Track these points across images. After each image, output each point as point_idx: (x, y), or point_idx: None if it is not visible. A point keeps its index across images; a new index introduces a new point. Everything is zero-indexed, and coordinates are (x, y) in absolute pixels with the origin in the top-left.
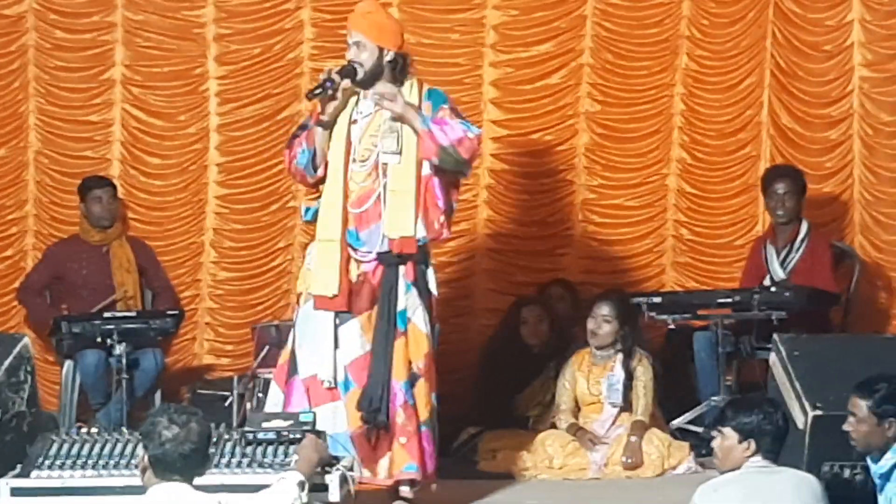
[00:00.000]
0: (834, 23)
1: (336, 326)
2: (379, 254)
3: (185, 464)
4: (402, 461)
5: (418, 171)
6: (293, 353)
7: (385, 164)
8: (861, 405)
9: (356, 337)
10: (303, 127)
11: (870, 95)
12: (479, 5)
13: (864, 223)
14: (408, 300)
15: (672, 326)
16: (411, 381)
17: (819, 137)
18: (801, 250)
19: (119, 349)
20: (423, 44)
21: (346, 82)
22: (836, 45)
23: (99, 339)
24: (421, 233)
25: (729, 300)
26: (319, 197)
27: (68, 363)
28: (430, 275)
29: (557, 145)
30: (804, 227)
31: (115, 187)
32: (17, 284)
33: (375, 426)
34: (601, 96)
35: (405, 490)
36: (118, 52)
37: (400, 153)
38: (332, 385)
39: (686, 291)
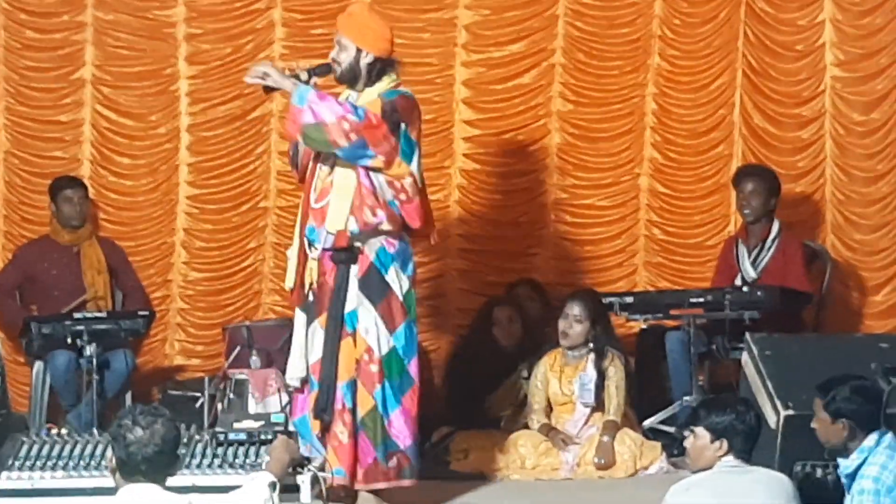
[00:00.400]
0: (805, 22)
1: (306, 326)
2: (332, 251)
3: (150, 466)
4: (332, 464)
5: (358, 172)
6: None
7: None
8: (819, 405)
9: (319, 337)
10: None
11: (841, 95)
12: (451, 5)
13: (836, 223)
14: (358, 300)
15: (644, 326)
16: (353, 382)
17: (791, 137)
18: (772, 249)
19: (89, 350)
20: (394, 43)
21: (316, 80)
22: (808, 44)
23: (69, 340)
24: (352, 226)
25: (701, 300)
26: None
27: (38, 364)
28: (394, 273)
29: (529, 145)
30: (776, 226)
31: (85, 188)
32: None
33: (326, 425)
34: (573, 96)
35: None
36: (88, 52)
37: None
38: (298, 387)
39: (658, 291)
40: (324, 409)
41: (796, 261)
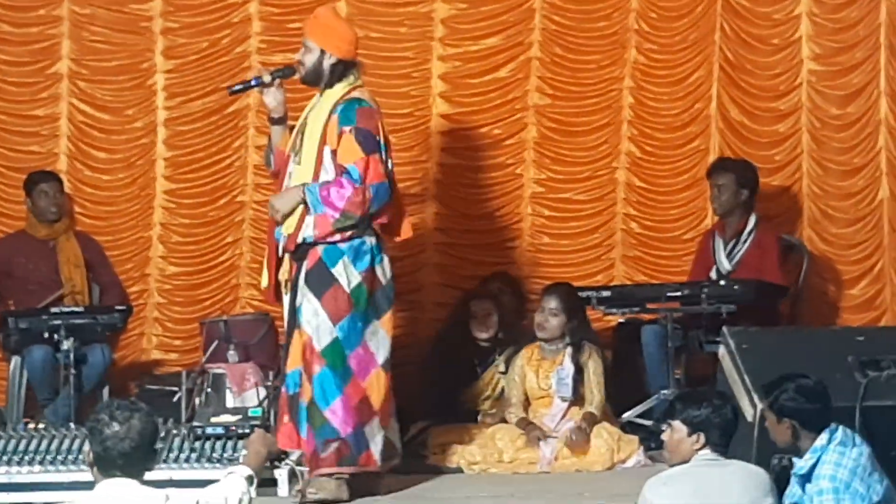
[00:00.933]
0: (782, 16)
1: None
2: (291, 251)
3: (126, 461)
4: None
5: (315, 175)
6: None
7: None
8: (764, 404)
9: None
10: None
11: (818, 89)
12: None
13: (813, 216)
14: (303, 294)
15: (621, 320)
16: (299, 371)
17: (767, 131)
18: (747, 243)
19: (66, 344)
20: (370, 38)
21: (279, 81)
22: (785, 38)
23: (46, 335)
24: (307, 231)
25: (678, 294)
26: None
27: (15, 359)
28: (342, 266)
29: (506, 139)
30: (752, 220)
31: (61, 181)
32: None
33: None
34: (550, 90)
35: None
36: (65, 46)
37: (296, 154)
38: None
39: (635, 285)
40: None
41: (771, 254)
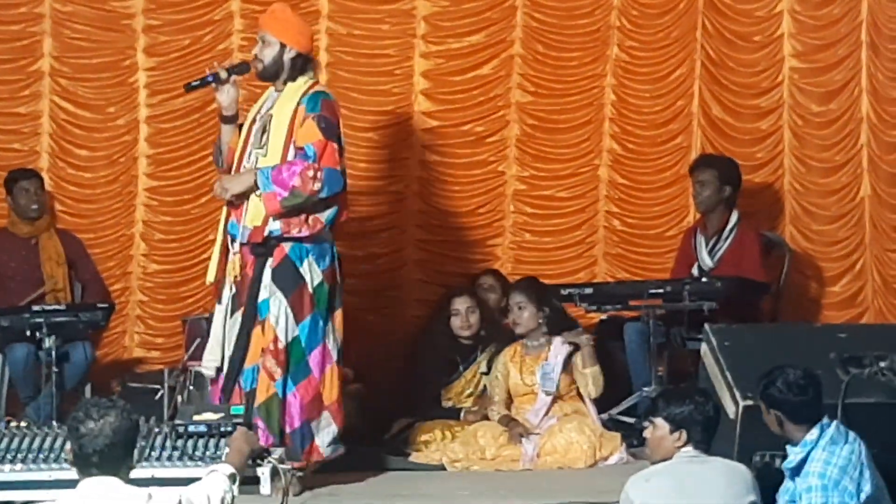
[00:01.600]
0: (764, 13)
1: (226, 316)
2: (251, 244)
3: (102, 459)
4: None
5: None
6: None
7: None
8: (756, 395)
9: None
10: None
11: (799, 86)
12: None
13: (795, 213)
14: (270, 290)
15: (603, 317)
16: (255, 368)
17: (749, 128)
18: (729, 240)
19: (48, 342)
20: (353, 35)
21: (235, 77)
22: (766, 35)
23: (28, 333)
24: (274, 226)
25: (660, 291)
26: None
27: None
28: (308, 266)
29: (488, 136)
30: (734, 216)
31: (41, 179)
32: None
33: None
34: (532, 87)
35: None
36: (46, 44)
37: (262, 146)
38: (213, 375)
39: (617, 282)
40: (229, 394)
41: (752, 251)
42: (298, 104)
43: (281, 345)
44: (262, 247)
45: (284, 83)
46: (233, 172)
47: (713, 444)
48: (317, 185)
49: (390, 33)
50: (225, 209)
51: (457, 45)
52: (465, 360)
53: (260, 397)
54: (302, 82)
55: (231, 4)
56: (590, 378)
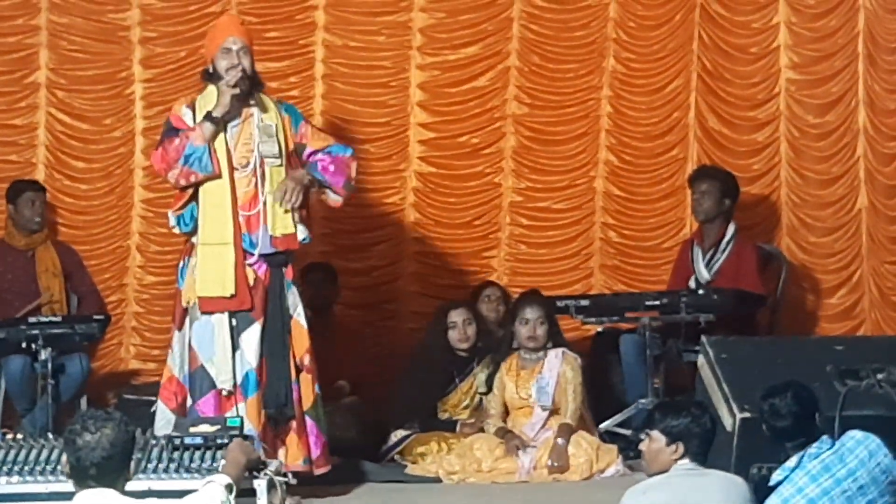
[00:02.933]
0: (760, 25)
1: (233, 329)
2: (266, 255)
3: (99, 471)
4: (294, 455)
5: (287, 172)
6: (202, 368)
7: (262, 167)
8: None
9: (257, 341)
10: (170, 131)
11: (796, 98)
12: (406, 8)
13: (791, 225)
14: (290, 298)
15: (600, 329)
16: (297, 375)
17: (746, 140)
18: (726, 252)
19: (44, 354)
20: (349, 46)
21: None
22: (763, 47)
23: (24, 345)
24: (303, 233)
25: (657, 303)
26: (186, 204)
27: None
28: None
29: (485, 148)
30: (731, 228)
31: (45, 191)
32: None
33: (285, 421)
34: (528, 99)
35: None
36: (42, 56)
37: (280, 156)
38: (231, 391)
39: (614, 294)
40: (284, 405)
41: (749, 263)
42: (279, 111)
43: (312, 347)
44: (280, 256)
45: (258, 93)
46: (223, 177)
47: (710, 456)
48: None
49: (386, 45)
50: (230, 222)
51: (453, 56)
52: (462, 373)
53: (307, 401)
54: (264, 92)
55: (225, 17)
56: (569, 411)
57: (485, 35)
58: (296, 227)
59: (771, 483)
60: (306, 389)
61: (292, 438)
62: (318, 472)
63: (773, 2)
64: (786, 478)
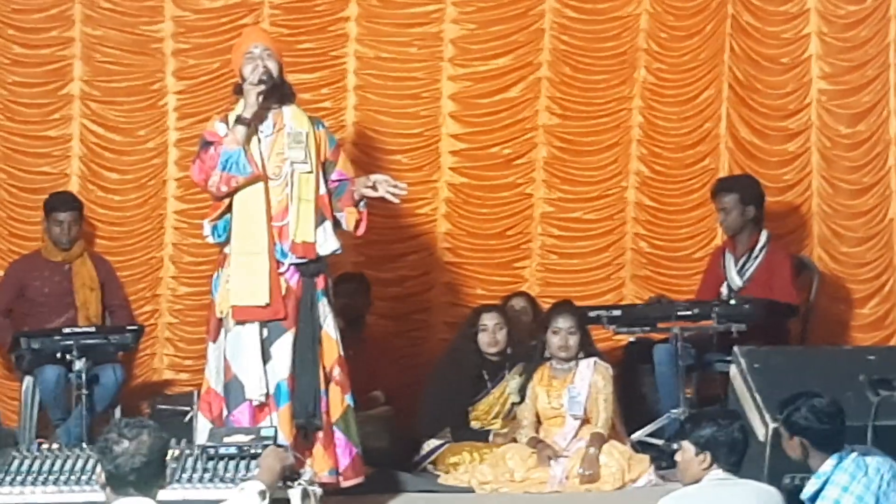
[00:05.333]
0: (791, 35)
1: (263, 341)
2: (298, 265)
3: (139, 477)
4: (320, 466)
5: (317, 182)
6: (235, 378)
7: (292, 174)
8: (779, 420)
9: (289, 351)
10: (205, 144)
11: (827, 108)
12: (437, 19)
13: (823, 235)
14: (321, 309)
15: (632, 339)
16: (326, 386)
17: (777, 150)
18: (759, 259)
19: (79, 365)
20: (381, 58)
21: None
22: (794, 57)
23: (58, 355)
24: (336, 244)
25: (688, 312)
26: (222, 214)
27: (28, 379)
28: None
29: (516, 159)
30: (763, 236)
31: (79, 209)
32: None
33: (314, 430)
34: (559, 109)
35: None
36: (76, 68)
37: (307, 162)
38: (263, 401)
39: (645, 304)
40: (312, 416)
41: (783, 272)
42: (313, 127)
43: (342, 358)
44: (312, 265)
45: (287, 103)
46: (257, 186)
47: (744, 466)
48: None
49: (418, 56)
50: (265, 231)
51: (484, 67)
52: (493, 378)
53: (336, 412)
54: (294, 105)
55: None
56: (601, 421)
57: (516, 46)
58: (316, 236)
59: (807, 493)
60: (335, 400)
61: (318, 449)
62: (346, 483)
63: (804, 12)
64: (824, 483)
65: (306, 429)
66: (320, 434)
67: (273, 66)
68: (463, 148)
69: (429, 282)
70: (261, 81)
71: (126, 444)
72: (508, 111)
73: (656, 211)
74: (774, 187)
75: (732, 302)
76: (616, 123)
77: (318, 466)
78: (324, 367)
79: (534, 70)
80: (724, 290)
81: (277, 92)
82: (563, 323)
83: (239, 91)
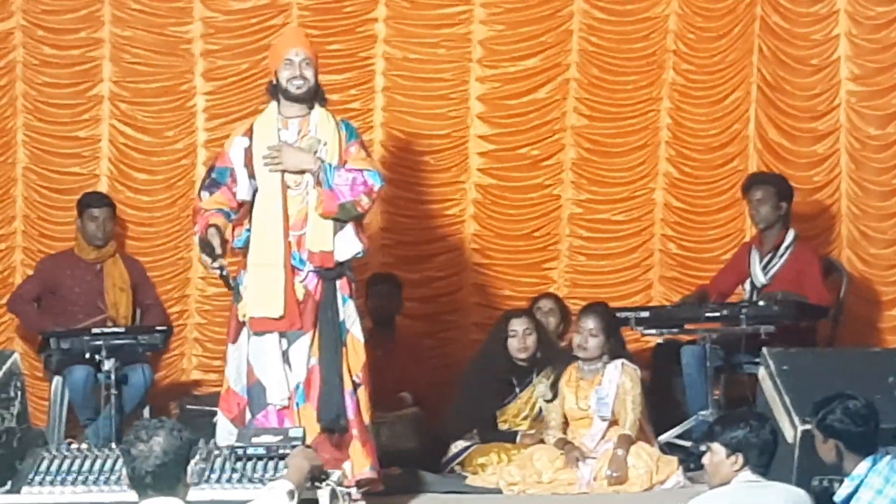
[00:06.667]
0: (820, 37)
1: (284, 351)
2: (318, 269)
3: (155, 479)
4: (361, 463)
5: None
6: (259, 383)
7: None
8: (812, 423)
9: (305, 353)
10: (211, 172)
11: (857, 109)
12: (466, 21)
13: (852, 237)
14: (346, 312)
15: (660, 341)
16: (353, 389)
17: (806, 151)
18: (784, 257)
19: (108, 365)
20: (409, 59)
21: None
22: (823, 59)
23: (88, 355)
24: (358, 246)
25: (717, 314)
26: (243, 222)
27: (57, 379)
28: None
29: (544, 160)
30: (790, 235)
31: (112, 206)
32: (4, 300)
33: (339, 432)
34: (588, 111)
35: (356, 493)
36: (105, 69)
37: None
38: (286, 405)
39: (673, 305)
40: (337, 418)
41: (813, 272)
42: (338, 129)
43: (368, 363)
44: (334, 270)
45: (311, 107)
46: (275, 197)
47: (772, 468)
48: (363, 210)
49: (446, 57)
50: (280, 241)
51: (513, 69)
52: (522, 382)
53: (366, 417)
54: (324, 108)
55: (288, 29)
56: (628, 422)
57: (545, 47)
58: (334, 243)
59: (841, 496)
60: (365, 403)
61: (356, 447)
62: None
63: (833, 13)
64: (858, 486)
65: (333, 430)
66: (353, 433)
67: (310, 75)
68: (491, 149)
69: (457, 283)
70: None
71: (141, 446)
72: (537, 112)
73: (685, 212)
74: (803, 189)
75: (761, 303)
76: (644, 125)
77: (358, 464)
78: (349, 370)
79: (562, 71)
80: (746, 286)
81: (310, 99)
82: (585, 323)
83: (272, 92)
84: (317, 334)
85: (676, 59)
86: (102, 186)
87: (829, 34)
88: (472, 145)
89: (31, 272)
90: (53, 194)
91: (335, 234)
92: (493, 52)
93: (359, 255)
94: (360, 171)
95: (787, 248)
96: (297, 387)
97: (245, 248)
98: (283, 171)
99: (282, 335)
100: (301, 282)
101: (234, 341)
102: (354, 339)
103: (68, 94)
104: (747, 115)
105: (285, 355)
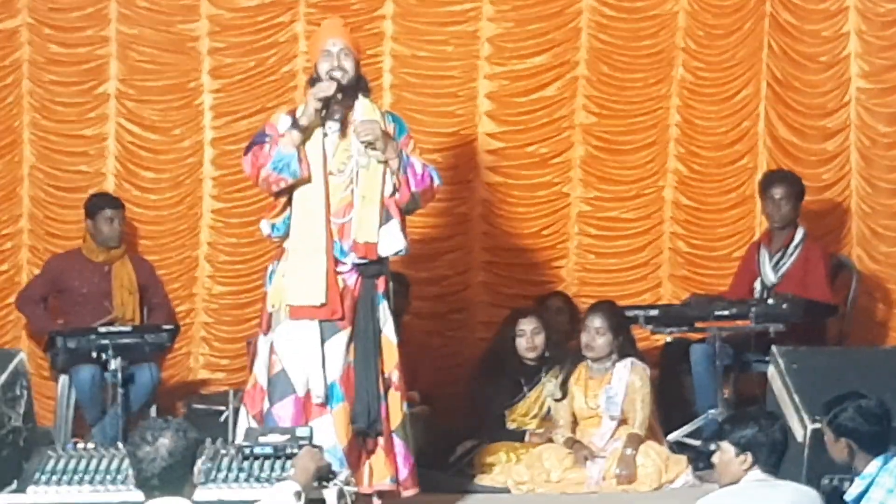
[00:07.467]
0: (830, 34)
1: (323, 341)
2: (359, 265)
3: (161, 481)
4: (381, 473)
5: (384, 179)
6: (283, 373)
7: (357, 171)
8: (823, 422)
9: (342, 350)
10: (261, 135)
11: (867, 106)
12: (474, 18)
13: (862, 234)
14: (381, 312)
15: (669, 339)
16: (385, 390)
17: (816, 149)
18: (794, 256)
19: (114, 364)
20: (417, 56)
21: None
22: (833, 56)
23: (94, 354)
24: (402, 244)
25: (726, 312)
26: (282, 212)
27: (63, 378)
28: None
29: (553, 157)
30: (799, 233)
31: (124, 207)
32: (12, 299)
33: (374, 436)
34: (596, 108)
35: (377, 501)
36: (112, 67)
37: (368, 164)
38: (323, 401)
39: (683, 304)
40: (375, 420)
41: (819, 270)
42: (384, 119)
43: (401, 364)
44: (374, 266)
45: (353, 98)
46: (318, 181)
47: (782, 467)
48: (424, 205)
49: (454, 55)
50: (323, 230)
51: (521, 66)
52: (530, 382)
53: (395, 419)
54: (371, 99)
55: (296, 27)
56: (638, 421)
57: (553, 45)
58: (379, 236)
59: (852, 495)
60: (394, 407)
61: (379, 456)
62: (405, 493)
63: (843, 10)
64: (869, 485)
65: (367, 434)
66: (381, 440)
67: (349, 66)
68: (499, 147)
69: (466, 281)
70: (321, 99)
71: (147, 448)
72: (545, 110)
73: (694, 210)
74: (813, 186)
75: (770, 301)
76: (653, 122)
77: (378, 474)
78: (382, 372)
79: (571, 68)
80: (757, 285)
81: (352, 89)
82: (592, 322)
83: (313, 84)
84: (353, 332)
85: (686, 56)
86: (109, 185)
87: (839, 31)
88: (481, 143)
89: (37, 271)
90: (60, 193)
91: (380, 226)
92: (501, 50)
93: (401, 253)
94: (425, 165)
95: (796, 246)
96: (332, 386)
97: (283, 237)
98: (370, 144)
99: (321, 328)
100: (340, 274)
101: (266, 333)
102: (387, 339)
103: (75, 92)
104: (757, 113)
105: (322, 351)
